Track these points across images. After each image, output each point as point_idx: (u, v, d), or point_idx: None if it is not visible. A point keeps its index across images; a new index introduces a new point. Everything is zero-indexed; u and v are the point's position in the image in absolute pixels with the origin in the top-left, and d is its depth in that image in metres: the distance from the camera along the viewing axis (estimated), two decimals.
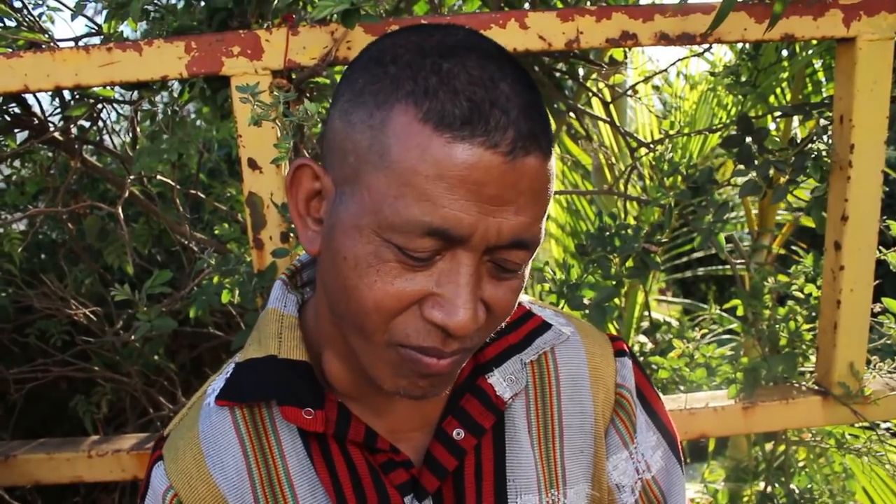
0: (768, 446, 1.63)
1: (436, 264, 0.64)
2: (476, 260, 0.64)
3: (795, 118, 1.83)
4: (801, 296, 1.45)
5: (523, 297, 0.90)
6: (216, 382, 0.84)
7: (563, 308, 1.16)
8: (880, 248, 1.45)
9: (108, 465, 1.46)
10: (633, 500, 0.90)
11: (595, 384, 0.86)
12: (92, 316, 1.57)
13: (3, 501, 1.68)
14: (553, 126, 2.17)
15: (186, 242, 1.68)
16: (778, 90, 1.96)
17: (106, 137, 1.75)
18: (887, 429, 1.59)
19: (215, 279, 1.32)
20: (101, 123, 1.70)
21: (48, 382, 1.91)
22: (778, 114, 1.71)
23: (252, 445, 0.80)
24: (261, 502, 0.79)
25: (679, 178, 1.30)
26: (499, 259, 0.65)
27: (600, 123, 2.28)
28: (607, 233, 1.22)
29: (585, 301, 1.17)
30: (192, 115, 2.19)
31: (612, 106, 1.90)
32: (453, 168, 0.60)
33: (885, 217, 1.41)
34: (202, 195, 1.80)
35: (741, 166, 1.31)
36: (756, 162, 1.28)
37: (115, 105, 1.65)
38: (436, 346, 0.67)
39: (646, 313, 2.20)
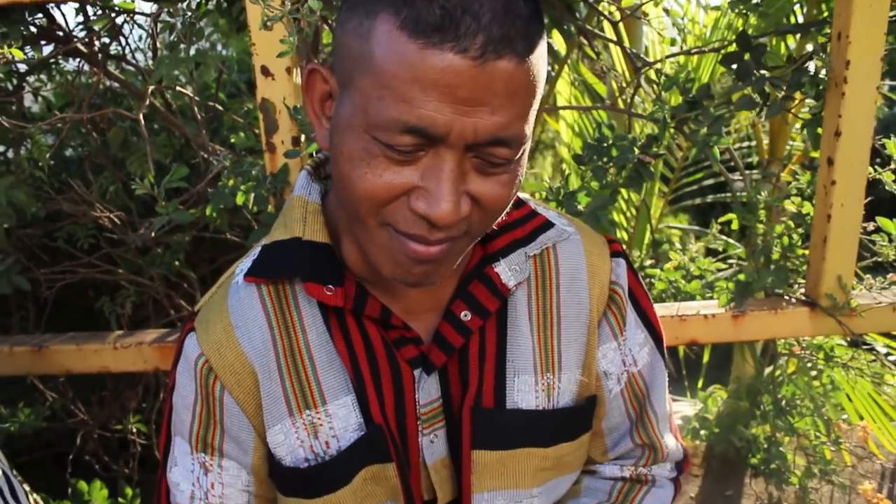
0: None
1: (421, 160, 0.70)
2: (457, 156, 0.70)
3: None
4: (795, 211, 1.49)
5: (531, 200, 0.96)
6: (244, 263, 0.92)
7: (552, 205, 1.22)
8: (876, 167, 1.49)
9: (131, 357, 1.56)
10: (618, 389, 0.97)
11: (592, 279, 0.93)
12: (116, 220, 1.65)
13: (38, 390, 1.81)
14: (564, 47, 2.20)
15: (205, 155, 1.75)
16: (791, 16, 1.98)
17: (128, 53, 1.81)
18: (871, 348, 1.65)
19: (230, 182, 1.39)
20: (122, 39, 1.76)
21: (75, 290, 2.02)
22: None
23: (276, 319, 0.87)
24: (283, 370, 0.87)
25: (678, 93, 1.34)
26: (483, 155, 0.71)
27: (612, 48, 2.30)
28: (605, 144, 1.27)
29: (580, 208, 1.23)
30: (210, 29, 2.24)
31: (623, 31, 1.91)
32: (426, 72, 0.65)
33: (879, 136, 1.44)
34: (220, 107, 1.86)
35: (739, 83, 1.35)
36: (753, 78, 1.32)
37: (136, 17, 1.71)
38: (422, 234, 0.73)
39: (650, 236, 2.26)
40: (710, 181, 2.69)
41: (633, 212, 2.35)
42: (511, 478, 0.92)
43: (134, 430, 1.86)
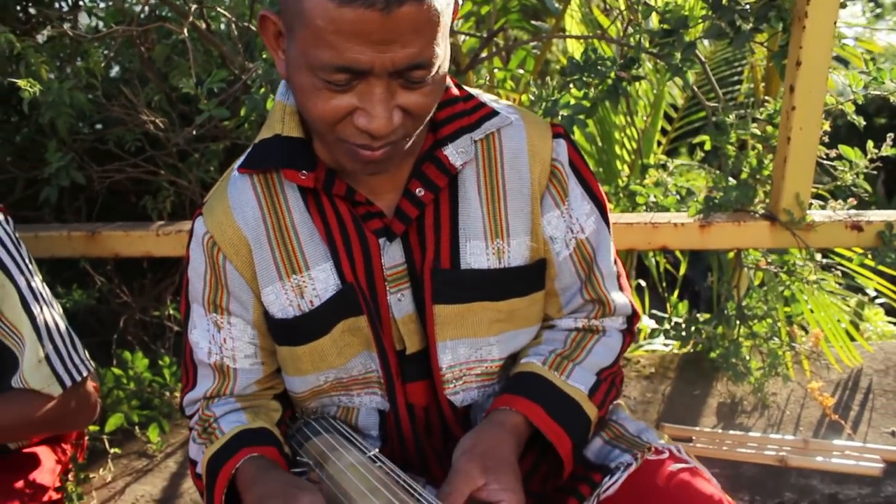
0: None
1: (356, 87, 0.90)
2: (384, 82, 0.90)
3: None
4: (760, 134, 1.67)
5: (485, 96, 1.15)
6: (240, 160, 1.14)
7: (539, 114, 1.41)
8: (835, 97, 1.66)
9: (171, 243, 1.80)
10: (567, 253, 1.15)
11: (532, 158, 1.11)
12: (160, 124, 1.87)
13: (89, 275, 2.05)
14: None
15: (240, 73, 1.95)
16: None
17: None
18: (828, 264, 1.83)
19: (262, 90, 1.60)
20: None
21: (121, 195, 2.25)
22: None
23: (266, 202, 1.09)
24: (273, 242, 1.09)
25: (657, 20, 1.51)
26: (405, 76, 0.90)
27: None
28: (588, 63, 1.45)
29: (563, 113, 1.41)
30: None
31: None
32: (345, 25, 0.85)
33: None
34: (254, 29, 2.06)
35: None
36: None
37: None
38: (366, 143, 0.94)
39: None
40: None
41: (634, 145, 2.53)
42: (469, 328, 1.12)
43: (170, 315, 2.11)
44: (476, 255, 1.09)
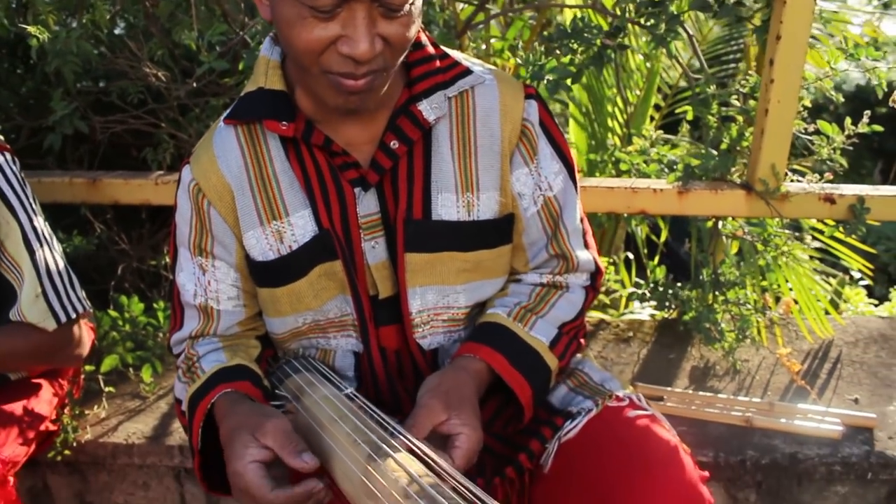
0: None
1: (339, 15, 0.96)
2: (366, 8, 0.95)
3: None
4: (740, 106, 1.73)
5: (458, 55, 1.21)
6: (226, 112, 1.20)
7: (524, 79, 1.46)
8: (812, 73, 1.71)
9: (169, 192, 1.86)
10: (535, 209, 1.21)
11: (504, 117, 1.17)
12: (162, 77, 1.93)
13: (89, 222, 2.12)
14: None
15: (240, 30, 2.01)
16: None
17: None
18: (803, 236, 1.89)
19: (260, 46, 1.65)
20: None
21: (122, 148, 2.31)
22: None
23: (249, 151, 1.16)
24: (255, 189, 1.16)
25: None
26: (385, 4, 0.96)
27: None
28: (574, 29, 1.50)
29: (548, 77, 1.47)
30: None
31: None
32: None
33: None
34: None
35: None
36: None
37: None
38: (351, 72, 0.99)
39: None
40: None
41: (625, 116, 2.59)
42: (438, 276, 1.19)
43: (166, 265, 2.18)
44: (447, 207, 1.16)
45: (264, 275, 1.19)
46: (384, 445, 0.92)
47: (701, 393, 1.83)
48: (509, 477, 1.19)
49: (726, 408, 1.78)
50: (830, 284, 2.72)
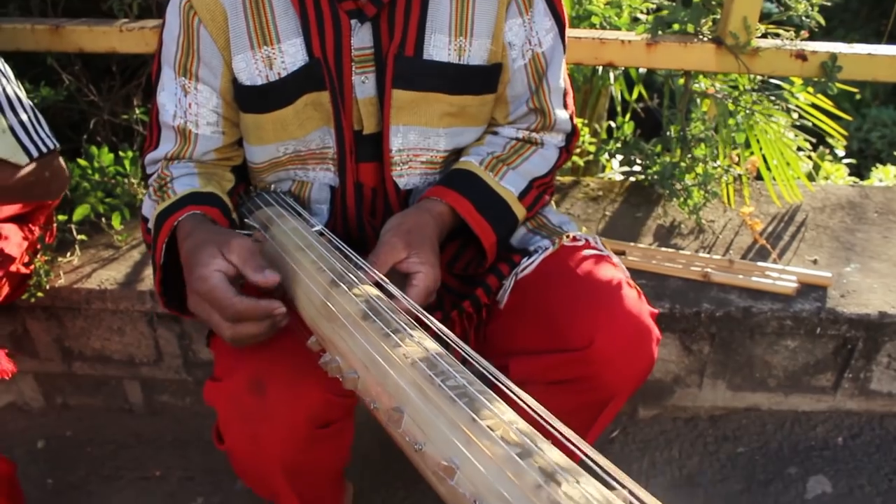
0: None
1: None
2: None
3: None
4: None
5: None
6: None
7: None
8: None
9: (134, 39, 1.83)
10: (522, 63, 1.22)
11: None
12: None
13: (57, 72, 2.10)
14: None
15: None
16: None
17: None
18: (772, 88, 1.87)
19: None
20: None
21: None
22: None
23: None
24: (248, 12, 1.14)
25: None
26: None
27: None
28: None
29: None
30: None
31: None
32: None
33: None
34: None
35: None
36: None
37: None
38: None
39: None
40: None
41: None
42: (422, 116, 1.20)
43: (137, 119, 2.16)
44: (438, 48, 1.16)
45: (251, 100, 1.18)
46: (348, 273, 0.94)
47: (663, 249, 1.87)
48: (466, 311, 1.24)
49: (687, 264, 1.82)
50: (811, 158, 2.72)
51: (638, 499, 0.50)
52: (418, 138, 1.22)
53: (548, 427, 0.60)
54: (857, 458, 1.82)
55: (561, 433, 0.57)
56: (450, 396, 0.60)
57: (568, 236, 1.24)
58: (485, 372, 0.70)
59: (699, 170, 1.85)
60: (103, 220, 1.96)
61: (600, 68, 2.12)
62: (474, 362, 0.73)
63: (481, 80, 1.21)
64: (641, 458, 1.85)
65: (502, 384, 0.66)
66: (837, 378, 1.84)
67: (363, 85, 1.18)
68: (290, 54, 1.15)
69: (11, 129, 1.43)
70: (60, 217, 1.91)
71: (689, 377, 1.87)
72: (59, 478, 1.87)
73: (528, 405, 0.62)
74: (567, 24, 1.26)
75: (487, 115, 1.26)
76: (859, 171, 3.95)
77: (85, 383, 2.02)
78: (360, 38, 1.15)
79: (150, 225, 1.18)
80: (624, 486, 0.51)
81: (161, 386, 2.00)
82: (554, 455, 0.54)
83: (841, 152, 3.25)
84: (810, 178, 2.68)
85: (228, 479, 1.82)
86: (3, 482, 1.50)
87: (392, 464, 1.83)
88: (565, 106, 1.30)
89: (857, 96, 5.88)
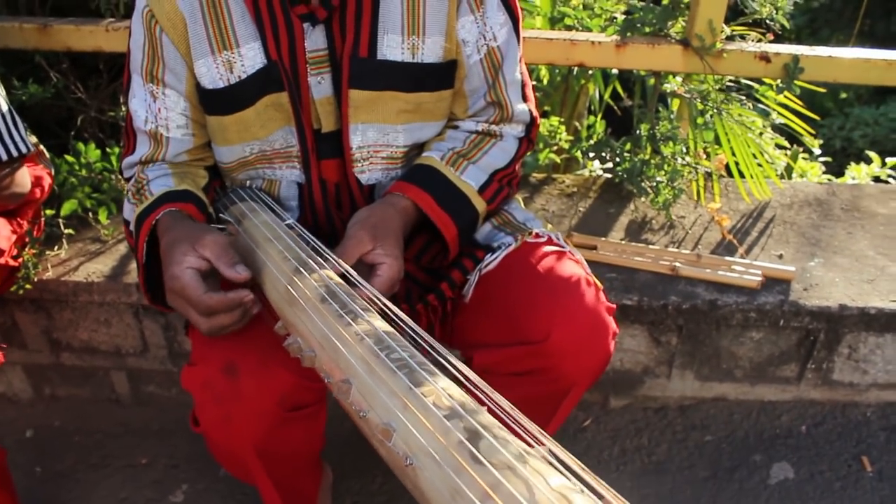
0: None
1: None
2: None
3: None
4: None
5: None
6: None
7: None
8: None
9: (121, 38, 1.88)
10: (478, 58, 1.27)
11: None
12: None
13: (44, 70, 2.15)
14: None
15: None
16: None
17: None
18: (745, 89, 1.93)
19: None
20: None
21: None
22: None
23: None
24: (207, 18, 1.19)
25: None
26: None
27: None
28: None
29: None
30: None
31: None
32: None
33: None
34: None
35: None
36: None
37: None
38: None
39: None
40: None
41: None
42: (379, 114, 1.25)
43: (124, 116, 2.22)
44: (392, 47, 1.21)
45: (213, 103, 1.24)
46: (311, 261, 1.00)
47: (633, 244, 1.93)
48: (432, 304, 1.29)
49: (656, 258, 1.88)
50: (785, 156, 2.78)
51: (555, 456, 0.56)
52: (377, 135, 1.27)
53: (501, 414, 0.65)
54: (819, 446, 1.88)
55: (500, 407, 0.63)
56: (391, 368, 0.66)
57: (531, 233, 1.30)
58: (443, 363, 0.75)
59: (667, 167, 1.91)
60: (90, 214, 2.01)
61: (576, 68, 2.18)
62: (434, 353, 0.78)
63: (436, 77, 1.25)
64: (612, 446, 1.92)
65: (456, 368, 0.72)
66: (801, 369, 1.91)
67: (319, 85, 1.23)
68: (249, 58, 1.20)
69: None
70: (48, 212, 1.96)
71: (658, 368, 1.93)
72: (47, 466, 1.92)
73: (480, 389, 0.67)
74: (521, 19, 1.30)
75: (445, 110, 1.31)
76: (841, 170, 4.01)
77: (72, 374, 2.07)
78: (314, 40, 1.20)
79: (132, 227, 1.24)
80: (543, 445, 0.57)
81: (147, 376, 2.05)
82: (481, 417, 0.60)
83: (817, 150, 3.32)
84: (783, 176, 2.74)
85: (213, 467, 1.87)
86: None
87: (371, 451, 1.88)
88: (524, 97, 1.33)
89: (843, 95, 5.96)
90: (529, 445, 0.57)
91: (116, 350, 1.99)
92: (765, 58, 1.77)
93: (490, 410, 0.65)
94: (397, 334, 0.77)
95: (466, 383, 0.67)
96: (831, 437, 1.91)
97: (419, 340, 0.80)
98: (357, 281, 1.01)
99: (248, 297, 1.02)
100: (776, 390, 1.95)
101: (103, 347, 1.99)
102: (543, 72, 2.31)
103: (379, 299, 0.96)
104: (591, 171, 2.21)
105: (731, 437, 1.92)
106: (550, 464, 0.55)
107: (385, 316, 0.90)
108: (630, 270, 1.86)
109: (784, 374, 1.92)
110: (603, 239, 1.94)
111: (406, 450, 0.59)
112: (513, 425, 0.60)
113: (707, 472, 1.83)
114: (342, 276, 1.03)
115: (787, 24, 1.85)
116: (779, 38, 1.88)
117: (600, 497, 0.49)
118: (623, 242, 1.94)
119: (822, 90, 2.04)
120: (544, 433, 0.60)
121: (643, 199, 2.05)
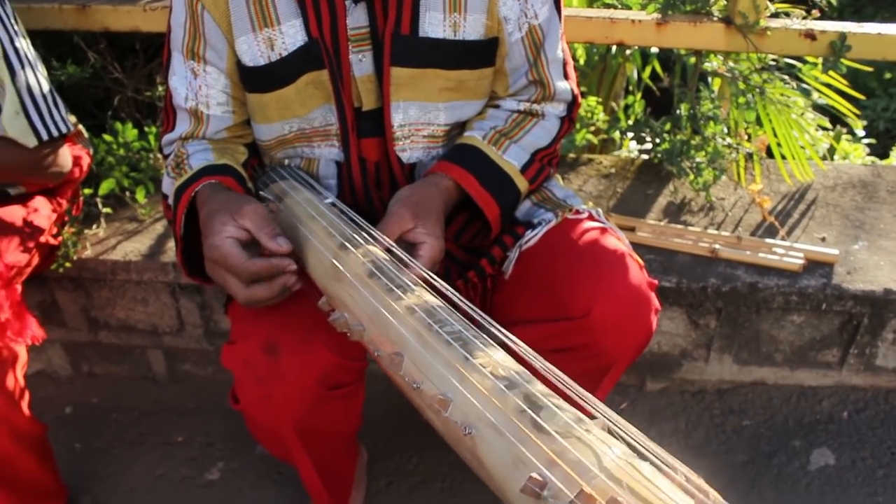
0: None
1: None
2: None
3: None
4: None
5: None
6: None
7: None
8: None
9: (158, 18, 1.89)
10: (519, 36, 1.26)
11: None
12: None
13: (82, 49, 2.16)
14: None
15: None
16: None
17: None
18: (786, 68, 1.89)
19: None
20: None
21: None
22: None
23: None
24: None
25: None
26: None
27: None
28: None
29: None
30: None
31: None
32: None
33: None
34: None
35: None
36: None
37: None
38: None
39: None
40: None
41: None
42: (421, 92, 1.24)
43: (160, 96, 2.23)
44: (434, 25, 1.20)
45: (253, 80, 1.24)
46: (355, 237, 0.99)
47: (672, 225, 1.90)
48: (472, 281, 1.28)
49: (695, 240, 1.85)
50: (828, 137, 2.72)
51: (616, 424, 0.55)
52: (419, 113, 1.26)
53: (557, 384, 0.63)
54: (861, 432, 1.85)
55: (551, 371, 0.62)
56: (446, 340, 0.65)
57: (571, 209, 1.28)
58: (492, 330, 0.74)
59: (708, 148, 1.88)
60: (127, 193, 2.03)
61: (614, 47, 2.15)
62: (481, 320, 0.77)
63: (478, 54, 1.24)
64: (648, 429, 1.90)
65: (504, 335, 0.71)
66: (843, 354, 1.87)
67: (360, 63, 1.22)
68: (290, 35, 1.19)
69: (25, 110, 1.48)
70: (86, 191, 1.97)
71: (696, 351, 1.91)
72: (86, 442, 1.94)
73: (525, 351, 0.66)
74: None
75: (487, 88, 1.30)
76: (885, 152, 3.92)
77: (110, 352, 2.09)
78: (356, 17, 1.19)
79: (171, 201, 1.24)
80: (604, 415, 0.56)
81: (183, 355, 2.07)
82: (538, 386, 0.59)
83: (860, 132, 3.25)
84: (825, 158, 2.69)
85: (248, 445, 1.88)
86: (35, 442, 1.57)
87: (406, 431, 1.89)
88: (566, 76, 1.32)
89: (887, 75, 5.82)
90: (588, 415, 0.56)
91: (153, 329, 2.01)
92: (810, 35, 1.73)
93: (544, 381, 0.64)
94: (449, 307, 0.76)
95: (520, 353, 0.66)
96: (874, 423, 1.87)
97: (471, 314, 0.79)
98: (403, 256, 1.00)
99: (291, 266, 1.02)
100: (817, 375, 1.92)
101: (140, 326, 2.01)
102: (580, 51, 2.28)
103: (428, 274, 0.95)
104: (628, 152, 2.18)
105: (770, 422, 1.89)
106: (610, 432, 0.54)
107: (434, 290, 0.89)
108: (669, 252, 1.84)
109: (825, 358, 1.89)
110: (641, 220, 1.92)
111: (464, 419, 0.58)
112: (571, 395, 0.59)
113: (745, 457, 1.81)
114: (387, 251, 1.02)
115: (833, 1, 1.80)
116: (822, 16, 1.83)
117: (666, 465, 0.48)
118: (662, 224, 1.91)
119: (869, 69, 1.98)
120: (600, 402, 0.59)
121: (682, 179, 2.01)
